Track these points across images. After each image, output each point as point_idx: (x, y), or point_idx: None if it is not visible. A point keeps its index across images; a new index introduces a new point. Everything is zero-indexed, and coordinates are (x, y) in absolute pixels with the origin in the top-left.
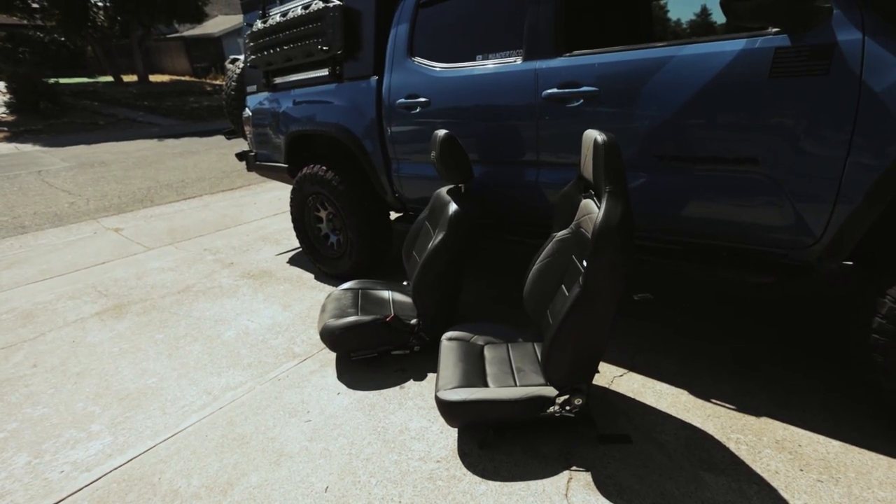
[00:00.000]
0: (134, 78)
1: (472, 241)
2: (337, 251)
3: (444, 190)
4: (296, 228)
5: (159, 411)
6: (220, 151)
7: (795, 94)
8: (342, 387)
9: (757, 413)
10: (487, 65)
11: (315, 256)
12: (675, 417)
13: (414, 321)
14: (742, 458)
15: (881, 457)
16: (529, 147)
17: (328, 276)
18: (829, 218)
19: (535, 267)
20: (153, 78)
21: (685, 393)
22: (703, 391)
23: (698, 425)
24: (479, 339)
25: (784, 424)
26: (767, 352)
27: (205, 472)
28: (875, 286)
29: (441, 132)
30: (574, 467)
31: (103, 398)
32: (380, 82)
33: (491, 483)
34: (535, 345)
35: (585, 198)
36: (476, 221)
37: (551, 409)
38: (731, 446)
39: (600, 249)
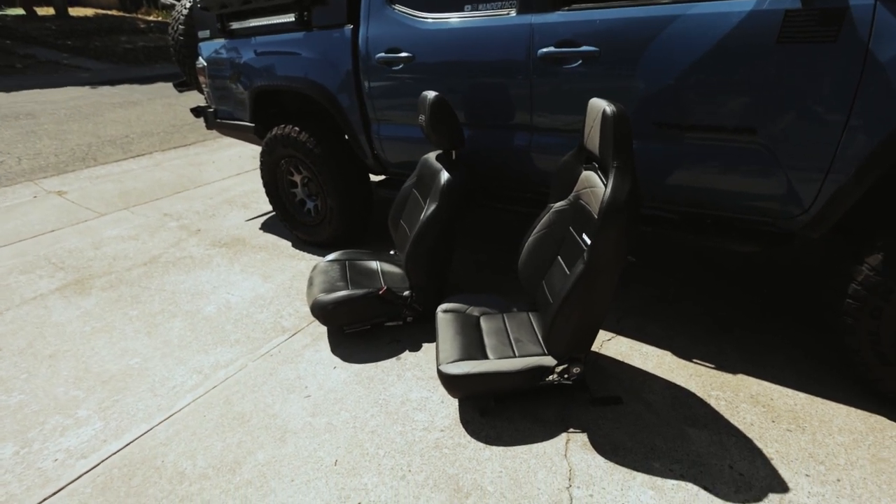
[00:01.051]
0: (50, 11)
1: (464, 209)
2: (315, 218)
3: (432, 156)
4: (268, 193)
5: (149, 393)
6: (167, 101)
7: (800, 62)
8: (337, 360)
9: (734, 371)
10: (478, 17)
11: (292, 223)
12: (660, 378)
13: (406, 293)
14: (721, 413)
15: (840, 406)
16: (522, 110)
17: (307, 243)
18: (820, 189)
19: (530, 238)
20: (73, 12)
21: (669, 354)
22: (685, 352)
23: (682, 384)
24: (474, 311)
25: (757, 380)
26: (742, 315)
27: (209, 453)
28: (853, 255)
29: (431, 94)
30: (571, 429)
31: (85, 381)
32: (355, 33)
33: (495, 448)
34: (530, 314)
35: (587, 169)
36: (467, 190)
37: (550, 377)
38: (712, 402)
39: (607, 228)
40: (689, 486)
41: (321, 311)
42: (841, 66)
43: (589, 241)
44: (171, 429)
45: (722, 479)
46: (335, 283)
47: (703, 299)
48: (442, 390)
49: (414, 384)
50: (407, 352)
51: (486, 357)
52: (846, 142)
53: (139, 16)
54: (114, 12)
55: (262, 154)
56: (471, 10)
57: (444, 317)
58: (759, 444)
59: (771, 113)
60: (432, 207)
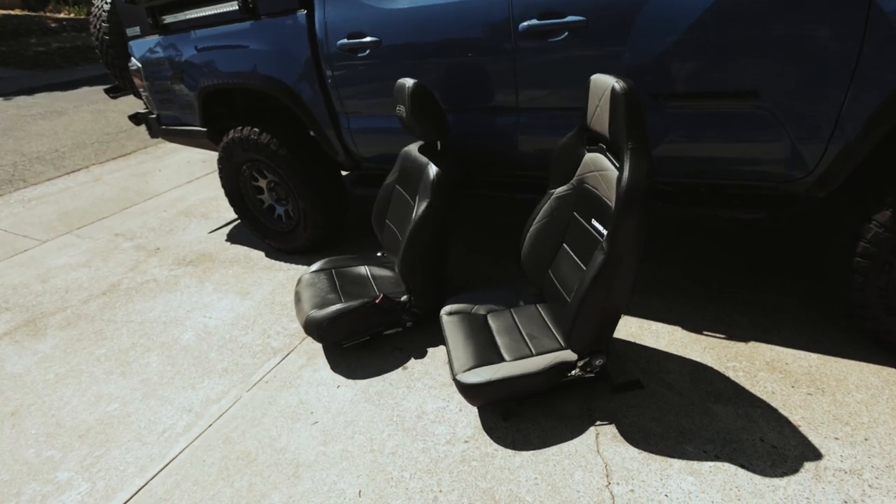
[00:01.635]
0: None
1: (457, 202)
2: (287, 224)
3: (414, 148)
4: (231, 202)
5: (136, 442)
6: (96, 108)
7: (801, 17)
8: (340, 378)
9: (744, 339)
10: None
11: (262, 232)
12: (675, 355)
13: (404, 297)
14: (742, 384)
15: (852, 362)
16: (506, 90)
17: (282, 252)
18: (826, 149)
19: (532, 227)
20: None
21: (678, 329)
22: (693, 324)
23: (697, 359)
24: (480, 309)
25: (769, 346)
26: (740, 277)
27: (218, 502)
28: (860, 213)
29: (408, 83)
30: (598, 422)
31: (58, 438)
32: (311, 18)
33: (525, 454)
34: (538, 306)
35: (591, 151)
36: (458, 182)
37: (573, 372)
38: (730, 374)
39: (627, 213)
40: (726, 466)
41: (316, 329)
42: (845, 19)
43: (601, 228)
44: (169, 480)
45: (756, 455)
46: (325, 295)
47: (694, 267)
48: (458, 398)
49: (427, 395)
50: (412, 360)
51: (502, 359)
52: (851, 100)
53: (47, 14)
54: (16, 12)
55: (220, 160)
56: None
57: (450, 320)
58: (785, 413)
59: (773, 73)
60: (423, 205)
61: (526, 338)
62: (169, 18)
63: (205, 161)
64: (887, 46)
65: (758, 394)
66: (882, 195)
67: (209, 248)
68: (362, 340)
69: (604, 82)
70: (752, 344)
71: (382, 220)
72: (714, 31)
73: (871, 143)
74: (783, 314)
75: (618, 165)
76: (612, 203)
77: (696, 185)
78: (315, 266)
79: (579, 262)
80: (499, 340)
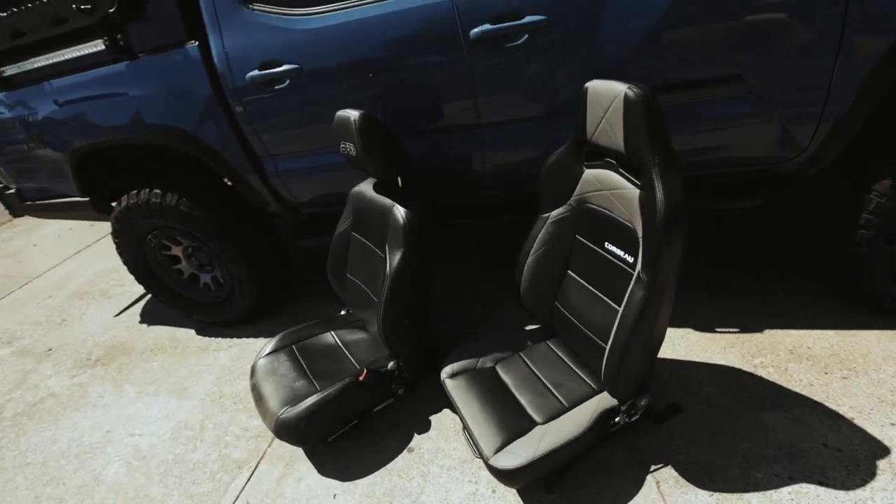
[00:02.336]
0: None
1: (435, 242)
2: (218, 292)
3: (367, 187)
4: (141, 280)
5: None
6: None
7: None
8: (334, 484)
9: (759, 329)
10: (379, 2)
11: (187, 307)
12: (699, 363)
13: (391, 364)
14: (777, 382)
15: (869, 333)
16: (464, 106)
17: (218, 325)
18: (817, 127)
19: (530, 258)
20: None
21: (691, 331)
22: (703, 324)
23: (723, 362)
24: (486, 361)
25: (785, 331)
26: (732, 268)
27: None
28: (859, 186)
29: (353, 115)
30: (652, 467)
31: None
32: (205, 50)
33: None
34: (549, 343)
35: (595, 167)
36: (432, 220)
37: (616, 419)
38: (761, 373)
39: (672, 237)
40: (805, 487)
41: (292, 433)
42: None
43: (621, 253)
44: None
45: (827, 465)
46: (293, 384)
47: (688, 262)
48: (486, 474)
49: (447, 479)
50: (416, 436)
51: (532, 422)
52: (842, 65)
53: None
54: None
55: (116, 233)
56: None
57: (456, 384)
58: (832, 406)
59: (755, 54)
60: (397, 257)
61: (551, 388)
62: (10, 69)
63: (93, 224)
64: (851, 20)
65: (797, 389)
66: (879, 166)
67: (120, 336)
68: (349, 427)
69: (609, 89)
70: (768, 333)
71: (342, 275)
72: (683, 18)
73: (863, 117)
74: (787, 299)
75: (639, 183)
76: (633, 225)
77: (687, 178)
78: (269, 346)
79: (594, 290)
80: (521, 398)
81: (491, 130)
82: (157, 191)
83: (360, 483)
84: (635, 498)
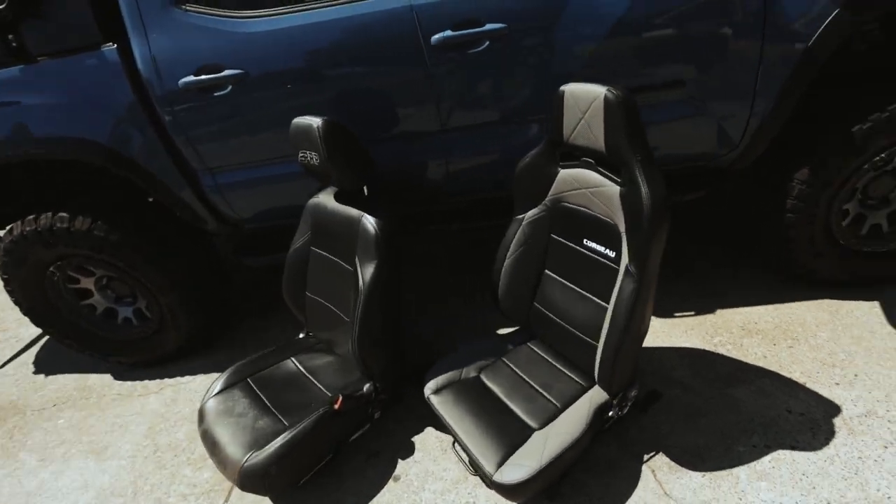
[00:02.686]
0: None
1: (403, 252)
2: (143, 327)
3: (327, 198)
4: (40, 323)
5: None
6: None
7: (713, 6)
8: None
9: (712, 311)
10: (335, 5)
11: (102, 349)
12: (666, 347)
13: (367, 386)
14: (736, 357)
15: (801, 304)
16: (427, 111)
17: (140, 366)
18: (747, 124)
19: (507, 261)
20: None
21: (654, 318)
22: (663, 310)
23: (687, 345)
24: (469, 371)
25: (734, 311)
26: (683, 259)
27: None
28: (783, 177)
29: (315, 122)
30: (645, 457)
31: None
32: (125, 54)
33: None
34: (530, 345)
35: (568, 167)
36: (401, 229)
37: (610, 414)
38: (722, 351)
39: (657, 230)
40: (781, 454)
41: (261, 482)
42: (745, 5)
43: (602, 249)
44: None
45: (795, 429)
46: (255, 424)
47: None
48: (483, 491)
49: (442, 502)
50: (400, 462)
51: (529, 428)
52: (765, 70)
53: None
54: None
55: (4, 268)
56: (313, 1)
57: (442, 399)
58: (785, 374)
59: (696, 60)
60: (371, 269)
61: (541, 390)
62: None
63: None
64: (785, 27)
65: (753, 362)
66: (798, 158)
67: (10, 392)
68: (323, 464)
69: (588, 92)
70: (720, 314)
71: (300, 294)
72: (632, 25)
73: (785, 114)
74: (732, 281)
75: (619, 180)
76: (613, 221)
77: None
78: (219, 384)
79: (575, 287)
80: (512, 405)
81: (453, 136)
82: (63, 214)
83: None
84: (637, 493)
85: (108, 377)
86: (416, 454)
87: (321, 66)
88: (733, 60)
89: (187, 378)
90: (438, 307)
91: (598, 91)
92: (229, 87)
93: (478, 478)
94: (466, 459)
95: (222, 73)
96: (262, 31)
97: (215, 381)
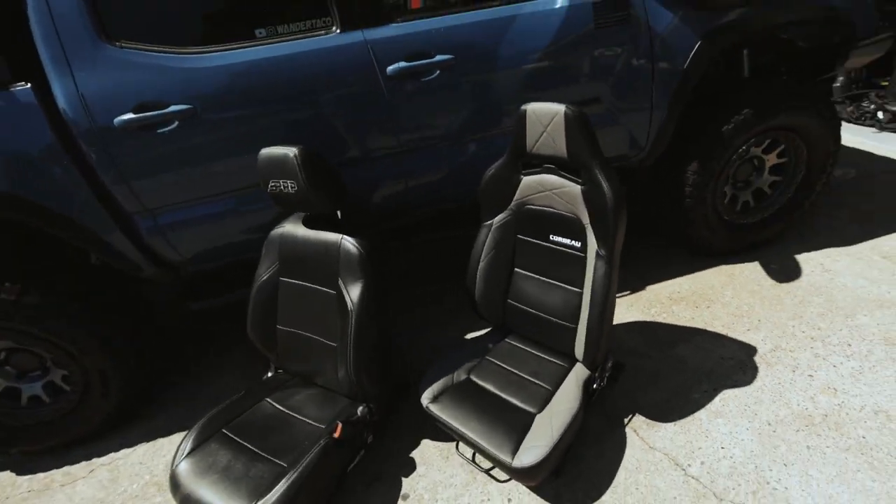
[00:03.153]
0: None
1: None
2: (58, 404)
3: (295, 227)
4: None
5: None
6: None
7: (615, 39)
8: None
9: (643, 287)
10: (289, 41)
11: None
12: (616, 324)
13: (361, 409)
14: (672, 322)
15: (707, 272)
16: (384, 138)
17: (48, 451)
18: (649, 130)
19: (481, 264)
20: None
21: None
22: None
23: (632, 319)
24: (460, 374)
25: (660, 285)
26: None
27: None
28: (678, 169)
29: (290, 151)
30: (625, 420)
31: None
32: (44, 94)
33: (606, 497)
34: (507, 340)
35: (530, 174)
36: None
37: (594, 386)
38: (660, 320)
39: (619, 219)
40: (728, 392)
41: None
42: (639, 36)
43: (569, 241)
44: None
45: (733, 370)
46: (249, 473)
47: None
48: (493, 489)
49: None
50: (404, 480)
51: (529, 414)
52: (657, 87)
53: None
54: None
55: None
56: (268, 35)
57: (442, 405)
58: (712, 329)
59: (607, 82)
60: (358, 290)
61: (530, 378)
62: None
63: None
64: (668, 52)
65: (685, 324)
66: (689, 153)
67: None
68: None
69: (548, 109)
70: (650, 289)
71: (271, 328)
72: (558, 55)
73: (675, 121)
74: (651, 261)
75: (580, 181)
76: (576, 215)
77: None
78: (188, 443)
79: (546, 279)
80: (508, 397)
81: (410, 155)
82: None
83: None
84: (628, 453)
85: (6, 475)
86: (419, 468)
87: (278, 99)
88: (635, 82)
89: (124, 452)
90: (408, 318)
91: (557, 108)
92: (175, 123)
93: (486, 475)
94: (472, 458)
95: (168, 109)
96: (212, 67)
97: (183, 441)
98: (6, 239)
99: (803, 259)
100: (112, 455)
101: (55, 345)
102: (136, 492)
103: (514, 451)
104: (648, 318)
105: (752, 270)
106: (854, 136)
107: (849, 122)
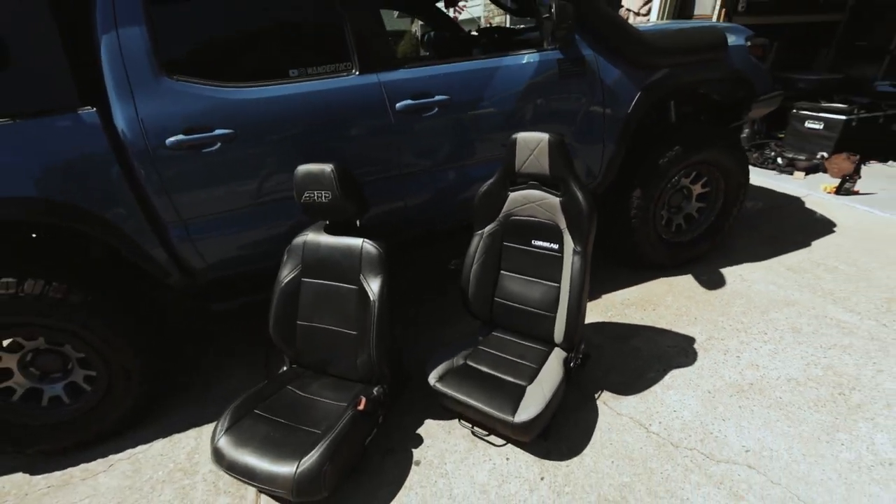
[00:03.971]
0: None
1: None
2: (78, 403)
3: (318, 235)
4: None
5: None
6: None
7: (575, 86)
8: None
9: (599, 296)
10: (318, 80)
11: (15, 441)
12: None
13: (376, 389)
14: (627, 322)
15: (652, 283)
16: (389, 162)
17: (63, 452)
18: (602, 161)
19: (473, 267)
20: None
21: None
22: None
23: (594, 320)
24: (458, 360)
25: (613, 293)
26: None
27: None
28: (626, 195)
29: (326, 167)
30: (596, 395)
31: None
32: (106, 117)
33: (586, 454)
34: (494, 333)
35: (516, 190)
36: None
37: (571, 364)
38: (616, 320)
39: (593, 220)
40: (674, 372)
41: (317, 484)
42: (593, 86)
43: (548, 245)
44: None
45: (676, 356)
46: (288, 440)
47: None
48: (493, 451)
49: (466, 468)
50: (415, 451)
51: (520, 386)
52: (608, 127)
53: None
54: None
55: None
56: (300, 75)
57: (447, 383)
58: (659, 326)
59: (568, 119)
60: (377, 285)
61: (517, 359)
62: None
63: None
64: (615, 98)
65: (637, 323)
66: (633, 183)
67: None
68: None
69: (535, 137)
70: (605, 297)
71: (291, 324)
72: (531, 98)
73: (622, 153)
74: (603, 273)
75: (558, 193)
76: (555, 222)
77: None
78: (224, 423)
79: (528, 278)
80: (501, 375)
81: (410, 179)
82: (9, 280)
83: None
84: (601, 419)
85: (19, 476)
86: (426, 441)
87: (304, 127)
88: (591, 122)
89: (141, 447)
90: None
91: (542, 136)
92: (218, 145)
93: (485, 442)
94: (471, 429)
95: (213, 133)
96: (251, 98)
97: (217, 423)
98: (56, 243)
99: (726, 272)
100: (129, 451)
101: (87, 343)
102: (162, 477)
103: (514, 411)
104: (606, 319)
105: (686, 281)
106: (759, 176)
107: (755, 165)
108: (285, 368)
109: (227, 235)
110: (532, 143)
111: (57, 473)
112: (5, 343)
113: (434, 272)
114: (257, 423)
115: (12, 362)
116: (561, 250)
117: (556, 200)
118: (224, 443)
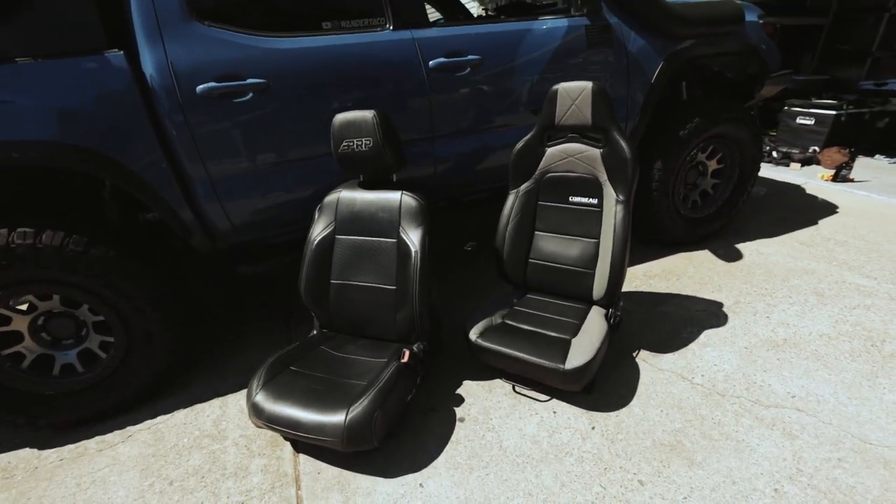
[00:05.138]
0: None
1: None
2: (92, 372)
3: (352, 192)
4: None
5: None
6: None
7: (601, 52)
8: (411, 477)
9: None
10: (352, 33)
11: (25, 412)
12: None
13: (416, 345)
14: (655, 291)
15: (673, 256)
16: (422, 121)
17: (72, 426)
18: (626, 125)
19: (509, 227)
20: None
21: None
22: None
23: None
24: (496, 318)
25: (637, 267)
26: None
27: None
28: (648, 167)
29: (367, 114)
30: (634, 353)
31: None
32: (134, 60)
33: (634, 404)
34: (529, 294)
35: (553, 145)
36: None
37: (612, 321)
38: (644, 289)
39: (635, 169)
40: (708, 331)
41: (367, 432)
42: (619, 53)
43: (587, 200)
44: None
45: (707, 318)
46: (331, 392)
47: None
48: (540, 406)
49: (514, 421)
50: (457, 409)
51: (565, 340)
52: (631, 95)
53: None
54: None
55: None
56: (332, 28)
57: (488, 338)
58: (685, 293)
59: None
60: (419, 235)
61: (558, 317)
62: None
63: None
64: (639, 69)
65: (663, 291)
66: (654, 154)
67: None
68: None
69: (577, 86)
70: (630, 270)
71: (325, 284)
72: (558, 64)
73: (645, 124)
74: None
75: (599, 145)
76: (594, 175)
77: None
78: (259, 380)
79: (565, 236)
80: (543, 331)
81: (441, 140)
82: (26, 229)
83: (438, 462)
84: (643, 373)
85: (26, 451)
86: (468, 399)
87: (338, 81)
88: (615, 88)
89: (161, 418)
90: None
91: (585, 84)
92: (250, 95)
93: (528, 398)
94: (513, 388)
95: (244, 82)
96: (284, 49)
97: (253, 380)
98: (73, 193)
99: (741, 246)
100: (148, 422)
101: (107, 303)
102: (189, 444)
103: (564, 360)
104: (633, 289)
105: (705, 255)
106: None
107: None
108: (315, 333)
109: (256, 195)
110: (574, 93)
111: (70, 446)
112: (23, 306)
113: (450, 250)
114: (295, 378)
115: (23, 325)
116: (600, 205)
117: (597, 152)
118: (262, 398)
